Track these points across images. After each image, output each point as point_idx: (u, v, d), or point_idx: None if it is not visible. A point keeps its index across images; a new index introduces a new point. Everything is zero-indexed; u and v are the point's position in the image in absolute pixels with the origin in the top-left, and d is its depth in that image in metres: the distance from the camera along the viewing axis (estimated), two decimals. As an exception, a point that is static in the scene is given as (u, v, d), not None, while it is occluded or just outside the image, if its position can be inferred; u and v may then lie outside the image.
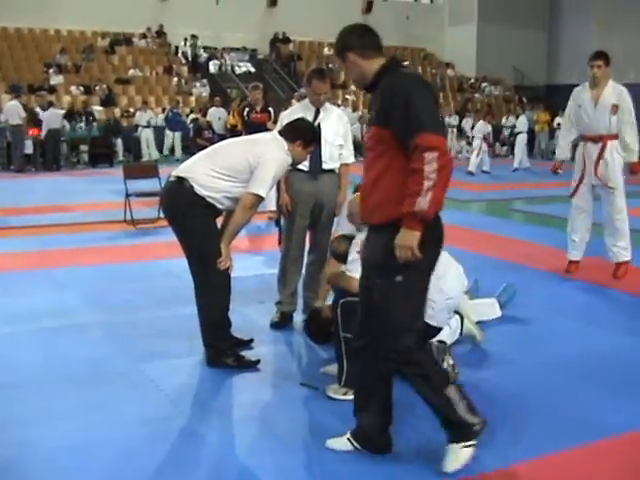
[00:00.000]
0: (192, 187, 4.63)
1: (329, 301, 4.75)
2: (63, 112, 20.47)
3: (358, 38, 3.47)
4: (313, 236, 5.72)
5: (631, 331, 5.66)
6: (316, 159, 5.45)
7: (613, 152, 7.00)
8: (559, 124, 24.53)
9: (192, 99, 25.53)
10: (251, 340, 5.25)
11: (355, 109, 23.74)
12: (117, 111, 22.95)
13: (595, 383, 4.56)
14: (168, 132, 22.65)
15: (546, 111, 25.06)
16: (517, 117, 21.24)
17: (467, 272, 5.01)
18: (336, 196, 5.61)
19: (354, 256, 4.27)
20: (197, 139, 20.23)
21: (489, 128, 19.69)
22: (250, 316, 5.84)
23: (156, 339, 5.35)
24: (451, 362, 4.44)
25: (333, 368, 4.47)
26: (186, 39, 28.41)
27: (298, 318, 5.70)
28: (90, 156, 20.69)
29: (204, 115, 21.97)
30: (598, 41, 29.39)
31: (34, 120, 19.24)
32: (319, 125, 5.47)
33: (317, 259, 5.65)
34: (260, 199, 4.67)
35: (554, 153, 26.81)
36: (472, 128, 21.02)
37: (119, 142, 21.70)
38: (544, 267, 7.68)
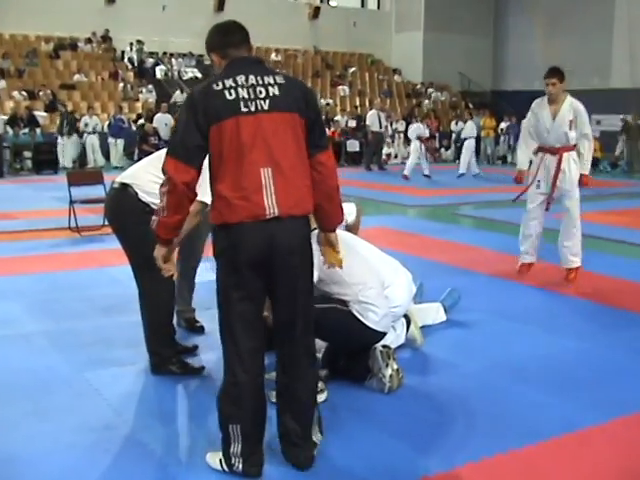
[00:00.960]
0: (136, 194, 4.60)
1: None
2: (5, 118, 20.14)
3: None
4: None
5: (575, 333, 5.75)
6: None
7: (570, 162, 7.26)
8: (503, 129, 24.96)
9: (138, 105, 25.31)
10: (195, 347, 5.24)
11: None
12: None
13: (538, 385, 4.63)
14: (111, 139, 22.16)
15: (492, 117, 25.40)
16: (465, 122, 21.43)
17: (412, 277, 5.06)
18: None
19: None
20: (143, 145, 20.04)
21: (426, 131, 19.74)
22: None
23: (100, 347, 5.30)
24: (395, 367, 4.47)
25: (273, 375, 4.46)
26: (132, 44, 28.18)
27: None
28: (34, 162, 20.38)
29: (150, 121, 21.76)
30: (542, 47, 30.03)
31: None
32: None
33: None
34: (205, 205, 4.65)
35: (500, 159, 27.23)
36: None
37: (69, 147, 21.34)
38: (489, 271, 7.78)
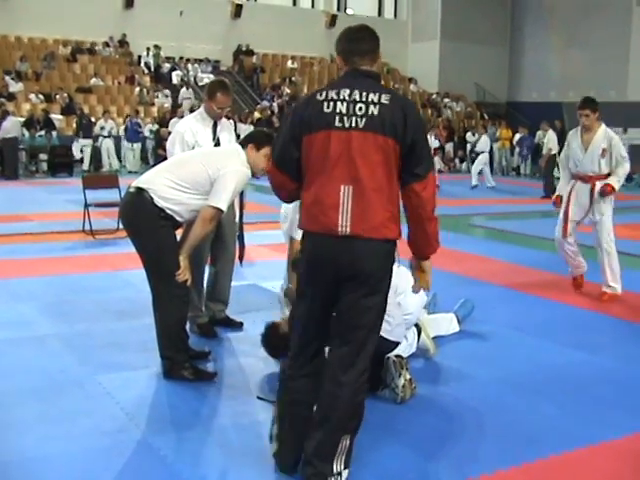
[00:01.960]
0: (152, 198, 4.60)
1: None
2: (22, 120, 20.24)
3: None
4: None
5: (590, 347, 5.70)
6: None
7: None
8: (518, 141, 24.85)
9: (154, 109, 25.40)
10: (208, 352, 5.23)
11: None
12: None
13: (551, 398, 4.60)
14: (126, 143, 22.20)
15: (507, 128, 25.33)
16: (480, 135, 21.25)
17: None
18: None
19: None
20: (158, 150, 20.07)
21: (435, 142, 19.68)
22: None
23: (113, 351, 5.31)
24: (408, 377, 4.45)
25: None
26: (149, 49, 28.27)
27: (256, 332, 5.69)
28: (49, 165, 20.48)
29: (166, 126, 21.78)
30: (558, 58, 29.96)
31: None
32: (219, 138, 5.63)
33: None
34: (220, 212, 4.66)
35: (514, 169, 27.01)
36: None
37: (87, 150, 21.41)
38: (502, 282, 7.76)
